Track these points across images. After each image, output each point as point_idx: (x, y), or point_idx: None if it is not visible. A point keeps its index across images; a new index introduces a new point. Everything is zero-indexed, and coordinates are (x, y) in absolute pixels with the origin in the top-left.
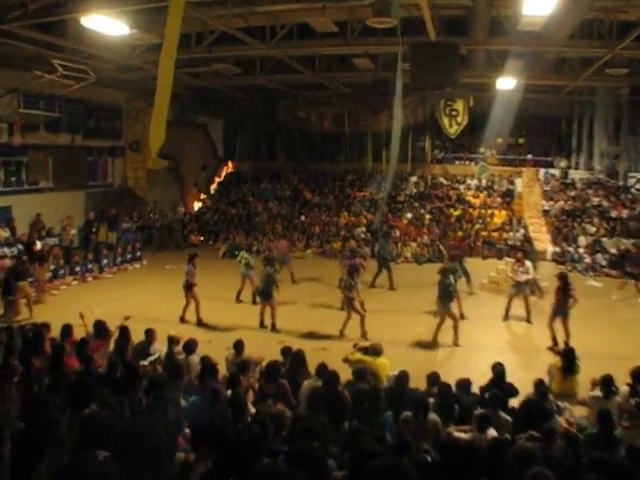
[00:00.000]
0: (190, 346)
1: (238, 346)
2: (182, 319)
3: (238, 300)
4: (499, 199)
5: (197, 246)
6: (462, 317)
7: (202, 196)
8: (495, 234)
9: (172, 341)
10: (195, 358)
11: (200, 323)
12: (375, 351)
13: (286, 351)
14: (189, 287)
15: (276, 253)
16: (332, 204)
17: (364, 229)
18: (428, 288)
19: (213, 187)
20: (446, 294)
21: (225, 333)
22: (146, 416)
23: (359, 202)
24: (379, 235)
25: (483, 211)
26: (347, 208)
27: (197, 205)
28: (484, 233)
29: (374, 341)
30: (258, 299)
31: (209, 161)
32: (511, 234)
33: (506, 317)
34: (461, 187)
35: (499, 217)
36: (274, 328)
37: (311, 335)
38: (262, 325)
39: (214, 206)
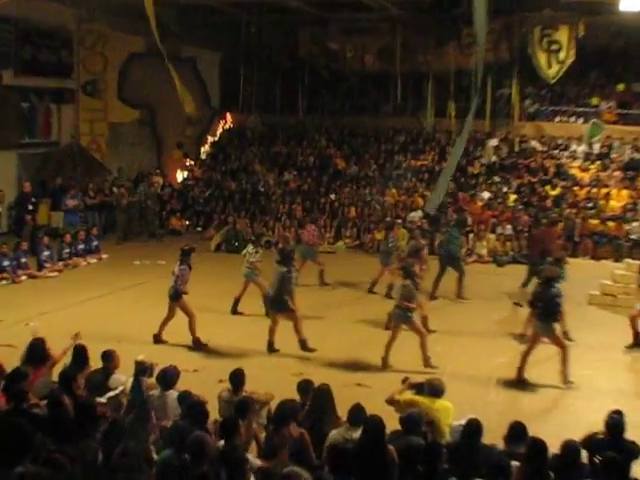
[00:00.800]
0: (168, 377)
1: (236, 378)
2: (157, 338)
3: (235, 311)
4: (618, 173)
5: (180, 233)
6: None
7: (188, 162)
8: (611, 224)
9: (142, 370)
10: (174, 395)
11: (198, 345)
12: (434, 390)
13: (305, 387)
14: (177, 296)
15: (292, 243)
16: (375, 177)
17: (420, 213)
18: (511, 300)
19: (204, 150)
20: (551, 310)
21: (218, 359)
22: (105, 477)
23: (414, 174)
24: (442, 223)
25: (594, 190)
26: (396, 183)
27: (181, 175)
28: (594, 222)
29: (432, 374)
30: (265, 310)
31: (199, 112)
32: (635, 225)
33: (635, 344)
34: (562, 155)
35: (618, 199)
36: (304, 347)
37: (342, 364)
38: (272, 349)
39: (206, 177)
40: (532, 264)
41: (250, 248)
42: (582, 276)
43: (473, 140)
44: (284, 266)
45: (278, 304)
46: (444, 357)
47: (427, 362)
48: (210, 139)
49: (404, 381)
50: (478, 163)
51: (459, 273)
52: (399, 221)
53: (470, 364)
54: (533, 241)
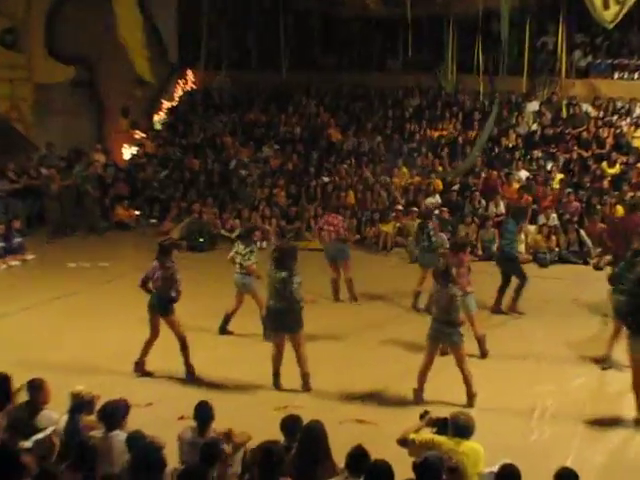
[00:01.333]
0: (113, 413)
1: (202, 414)
2: (139, 367)
3: (225, 331)
4: None
5: (129, 227)
6: None
7: (138, 134)
8: None
9: (79, 404)
10: (122, 436)
11: (190, 375)
12: (460, 427)
13: (291, 424)
14: (168, 308)
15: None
16: (380, 152)
17: (439, 199)
18: (561, 312)
19: (159, 118)
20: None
21: (180, 390)
22: None
23: (430, 148)
24: (466, 213)
25: None
26: (408, 159)
27: (129, 151)
28: None
29: (457, 407)
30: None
31: (154, 77)
32: None
33: None
34: (623, 123)
35: None
36: (306, 386)
37: (338, 394)
38: (277, 383)
39: (161, 153)
40: (616, 261)
41: (241, 248)
42: None
43: (507, 104)
44: (284, 269)
45: (286, 322)
46: (475, 384)
47: (470, 400)
48: (166, 104)
49: (422, 416)
50: (514, 133)
51: (519, 280)
52: (414, 209)
53: (507, 393)
54: (615, 232)
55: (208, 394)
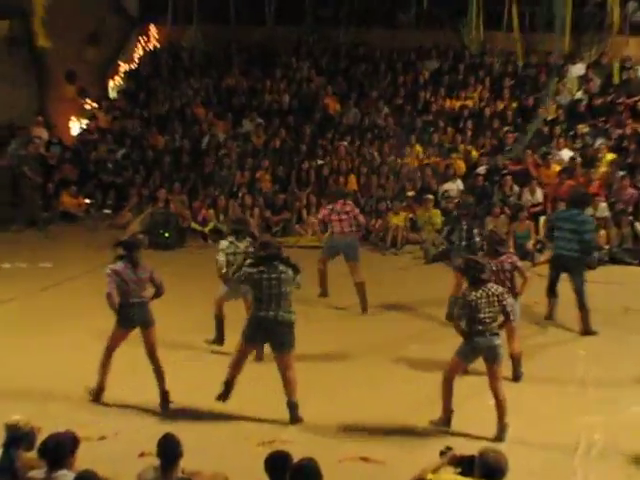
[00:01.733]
0: (58, 449)
1: (168, 449)
2: (95, 393)
3: (219, 341)
4: None
5: (77, 218)
6: None
7: (89, 104)
8: None
9: (15, 437)
10: (68, 477)
11: (165, 403)
12: (488, 467)
13: (278, 463)
14: (149, 321)
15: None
16: (389, 126)
17: (460, 184)
18: (611, 324)
19: (115, 84)
20: None
21: (142, 420)
22: None
23: (450, 121)
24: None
25: None
26: (423, 135)
27: (77, 126)
28: None
29: (485, 442)
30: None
31: (103, 24)
32: None
33: None
34: None
35: None
36: (295, 416)
37: (336, 427)
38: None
39: (117, 128)
40: None
41: (229, 243)
42: None
43: (546, 67)
44: (269, 270)
45: (276, 336)
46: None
47: (501, 432)
48: (124, 67)
49: (443, 452)
50: (554, 104)
51: (576, 286)
52: (429, 196)
53: (545, 424)
54: None
55: (176, 425)
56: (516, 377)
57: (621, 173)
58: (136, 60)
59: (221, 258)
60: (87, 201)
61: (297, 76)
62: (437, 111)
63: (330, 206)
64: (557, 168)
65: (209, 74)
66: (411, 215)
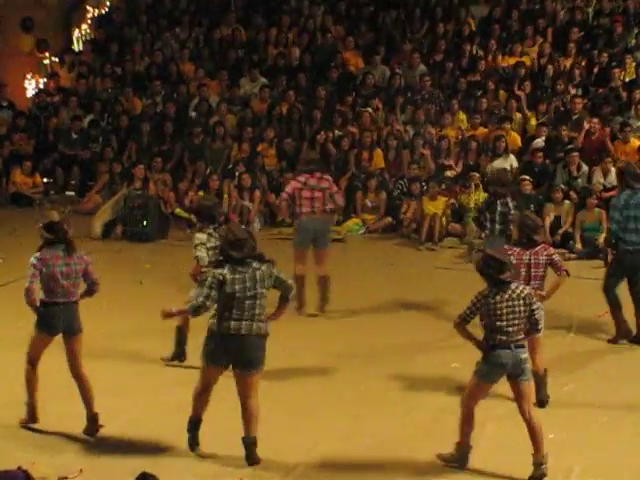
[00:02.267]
0: None
1: None
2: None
3: (178, 357)
4: None
5: (32, 201)
6: None
7: (48, 60)
8: None
9: None
10: None
11: (92, 428)
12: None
13: None
14: (75, 327)
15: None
16: (425, 88)
17: (514, 160)
18: None
19: (79, 34)
20: None
21: (111, 455)
22: None
23: (503, 80)
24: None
25: None
26: (467, 100)
27: (33, 85)
28: None
29: None
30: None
31: None
32: None
33: None
34: None
35: None
36: (252, 456)
37: (334, 464)
38: (195, 441)
39: (82, 89)
40: None
41: (204, 235)
42: None
43: (622, 15)
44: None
45: (243, 353)
46: (568, 446)
47: (539, 469)
48: (92, 12)
49: None
50: (633, 62)
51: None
52: (475, 175)
53: (610, 461)
54: None
55: (152, 462)
56: (541, 401)
57: None
58: (107, 4)
59: (202, 253)
60: (44, 180)
61: (309, 24)
62: (486, 70)
63: (303, 178)
64: (637, 142)
65: (198, 22)
66: (452, 200)
